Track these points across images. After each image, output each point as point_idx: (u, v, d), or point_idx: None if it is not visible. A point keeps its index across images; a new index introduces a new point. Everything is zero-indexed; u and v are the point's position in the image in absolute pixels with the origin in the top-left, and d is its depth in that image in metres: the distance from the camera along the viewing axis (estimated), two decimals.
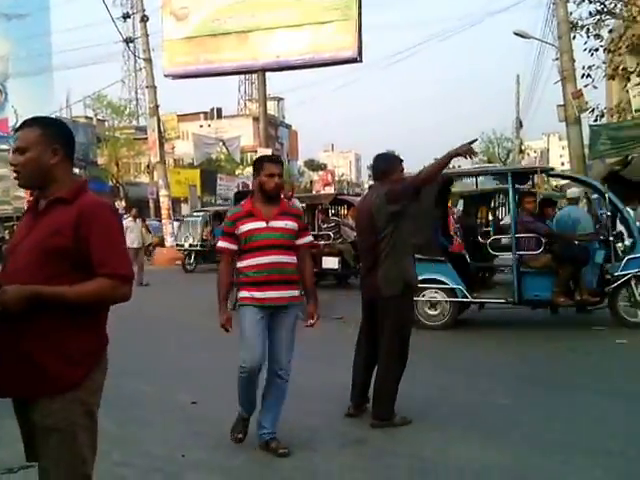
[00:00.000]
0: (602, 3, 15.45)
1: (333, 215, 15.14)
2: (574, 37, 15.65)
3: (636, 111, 14.82)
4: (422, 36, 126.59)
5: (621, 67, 15.93)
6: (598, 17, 15.58)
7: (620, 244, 8.36)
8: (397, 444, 4.27)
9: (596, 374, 6.08)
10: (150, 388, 5.75)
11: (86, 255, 2.27)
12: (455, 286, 8.36)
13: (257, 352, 3.97)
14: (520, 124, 33.75)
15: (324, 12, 21.17)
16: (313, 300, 4.26)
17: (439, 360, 6.74)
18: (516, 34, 18.00)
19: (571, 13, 15.95)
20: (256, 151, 26.55)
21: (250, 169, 43.19)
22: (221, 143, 30.36)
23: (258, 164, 4.20)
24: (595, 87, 16.65)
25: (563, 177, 8.88)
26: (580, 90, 15.33)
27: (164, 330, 8.98)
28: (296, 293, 4.13)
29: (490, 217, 14.41)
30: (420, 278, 8.21)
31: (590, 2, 15.40)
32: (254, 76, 33.70)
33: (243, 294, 4.06)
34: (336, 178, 59.49)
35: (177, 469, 3.92)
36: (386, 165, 4.81)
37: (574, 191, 10.92)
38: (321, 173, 57.14)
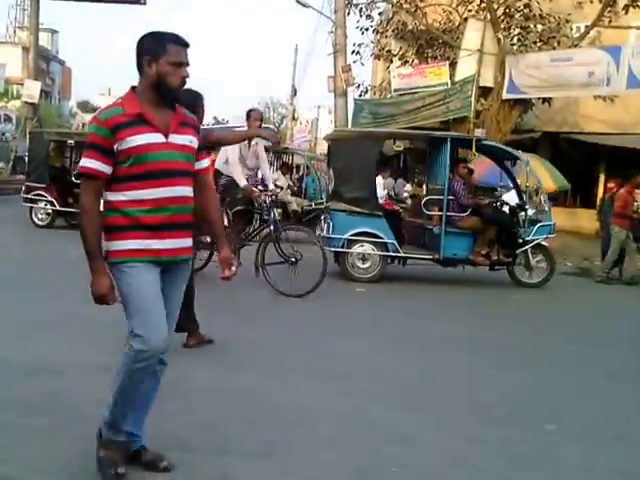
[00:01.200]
0: None
1: None
2: (349, 13, 16.67)
3: (395, 91, 16.22)
4: None
5: (386, 49, 17.38)
6: None
7: (523, 213, 9.35)
8: None
9: (340, 318, 6.82)
10: None
11: None
12: (388, 240, 8.72)
13: (163, 328, 2.78)
14: (295, 92, 35.02)
15: None
16: (225, 242, 3.14)
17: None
18: (297, 2, 18.49)
19: None
20: (22, 83, 24.34)
21: (15, 103, 39.42)
22: None
23: (155, 45, 2.75)
24: (362, 64, 18.07)
25: (491, 146, 9.63)
26: (349, 65, 16.41)
27: None
28: (191, 241, 2.97)
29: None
30: (356, 231, 8.70)
31: None
32: (27, 2, 30.66)
33: (127, 245, 2.74)
34: None
35: None
36: (191, 100, 4.63)
37: None
38: None
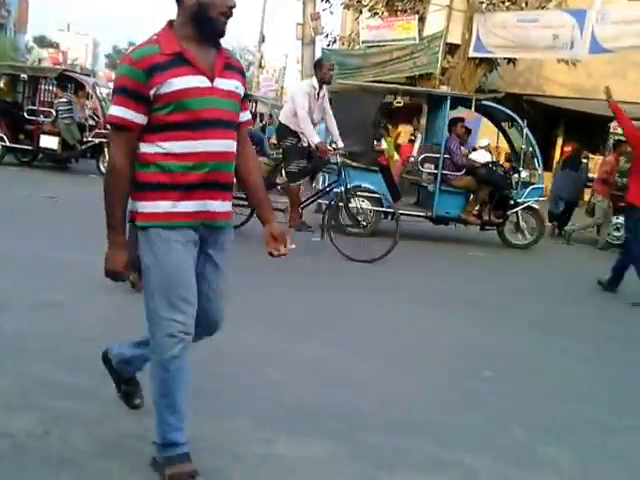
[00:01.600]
0: None
1: None
2: None
3: (363, 42, 15.99)
4: None
5: None
6: None
7: (516, 175, 9.33)
8: (92, 308, 4.47)
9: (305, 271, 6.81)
10: None
11: None
12: (383, 196, 8.64)
13: (194, 305, 2.38)
14: (263, 39, 34.34)
15: None
16: (272, 212, 2.71)
17: None
18: None
19: None
20: None
21: None
22: None
23: None
24: (332, 13, 17.84)
25: (491, 107, 9.52)
26: (318, 13, 16.11)
27: None
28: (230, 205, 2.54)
29: None
30: (352, 185, 8.20)
31: None
32: None
33: (156, 207, 2.33)
34: (69, 61, 54.78)
35: None
36: None
37: None
38: (51, 51, 52.28)
